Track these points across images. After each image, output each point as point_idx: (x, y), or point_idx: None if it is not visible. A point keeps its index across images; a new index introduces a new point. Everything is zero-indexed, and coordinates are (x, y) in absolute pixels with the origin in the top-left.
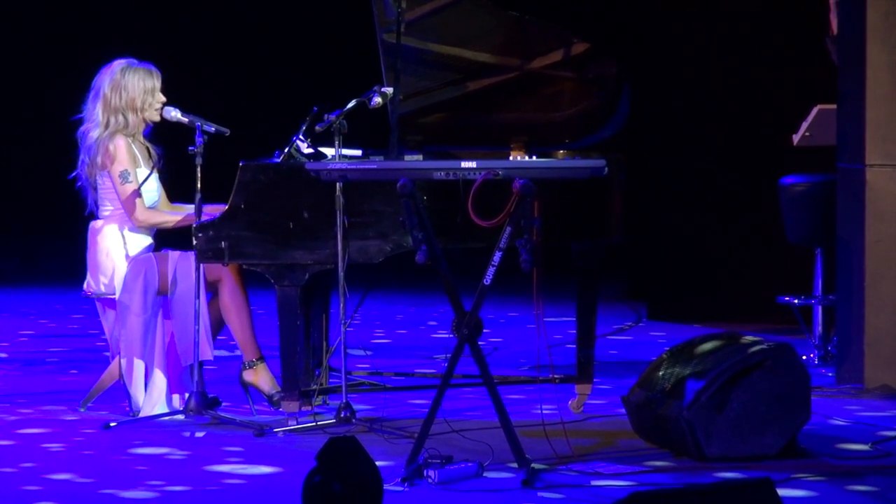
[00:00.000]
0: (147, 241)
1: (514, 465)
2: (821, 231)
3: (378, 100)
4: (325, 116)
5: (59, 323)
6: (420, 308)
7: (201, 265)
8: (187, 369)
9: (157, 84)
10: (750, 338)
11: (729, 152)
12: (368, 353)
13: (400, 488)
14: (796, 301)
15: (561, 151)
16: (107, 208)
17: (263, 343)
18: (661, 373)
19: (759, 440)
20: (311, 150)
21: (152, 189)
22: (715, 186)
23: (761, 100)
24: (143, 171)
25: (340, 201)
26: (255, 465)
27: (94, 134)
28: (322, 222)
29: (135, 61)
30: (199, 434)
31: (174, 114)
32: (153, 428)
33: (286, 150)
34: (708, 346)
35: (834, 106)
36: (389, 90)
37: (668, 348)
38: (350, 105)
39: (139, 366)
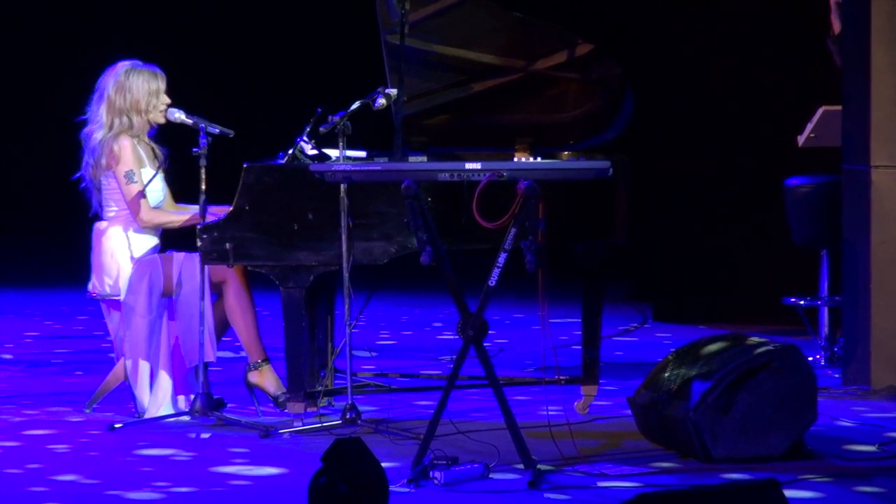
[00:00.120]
0: (152, 242)
1: (520, 466)
2: (826, 232)
3: (382, 101)
4: (329, 118)
5: (64, 324)
6: (425, 309)
7: (206, 266)
8: (192, 370)
9: (162, 86)
10: (756, 339)
11: (734, 154)
12: (374, 354)
13: (406, 489)
14: (802, 302)
15: (565, 153)
16: (111, 209)
17: (269, 344)
18: (666, 374)
19: (765, 441)
20: (315, 152)
21: (157, 189)
22: (720, 188)
23: (766, 101)
24: (148, 172)
25: (345, 203)
26: (261, 466)
27: (99, 135)
28: (326, 224)
29: (139, 63)
30: (205, 435)
31: (178, 115)
32: (159, 429)
33: (290, 151)
34: (714, 347)
35: (839, 107)
36: (393, 91)
37: (673, 349)
38: (354, 106)
39: (144, 367)
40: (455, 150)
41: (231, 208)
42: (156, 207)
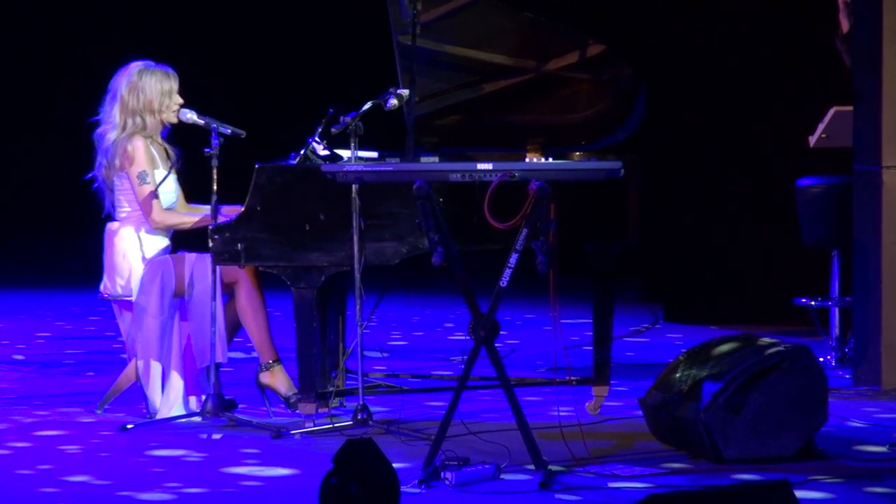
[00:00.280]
0: (163, 242)
1: (532, 467)
2: (837, 233)
3: (394, 102)
4: (341, 118)
5: (75, 325)
6: (436, 310)
7: (218, 267)
8: (204, 371)
9: (175, 86)
10: (767, 340)
11: (745, 154)
12: (385, 355)
13: (417, 490)
14: (813, 303)
15: (577, 153)
16: (123, 210)
17: (280, 345)
18: (678, 375)
19: (776, 442)
20: (326, 152)
21: (170, 190)
22: (732, 188)
23: (778, 102)
24: (160, 173)
25: (356, 203)
26: (272, 466)
27: (112, 136)
28: (338, 224)
29: (152, 63)
30: (216, 436)
31: (190, 116)
32: (170, 430)
33: (302, 152)
34: (725, 347)
35: (850, 108)
36: (405, 92)
37: (684, 350)
38: (366, 107)
39: (156, 368)
40: (467, 151)
41: (243, 208)
42: (169, 208)
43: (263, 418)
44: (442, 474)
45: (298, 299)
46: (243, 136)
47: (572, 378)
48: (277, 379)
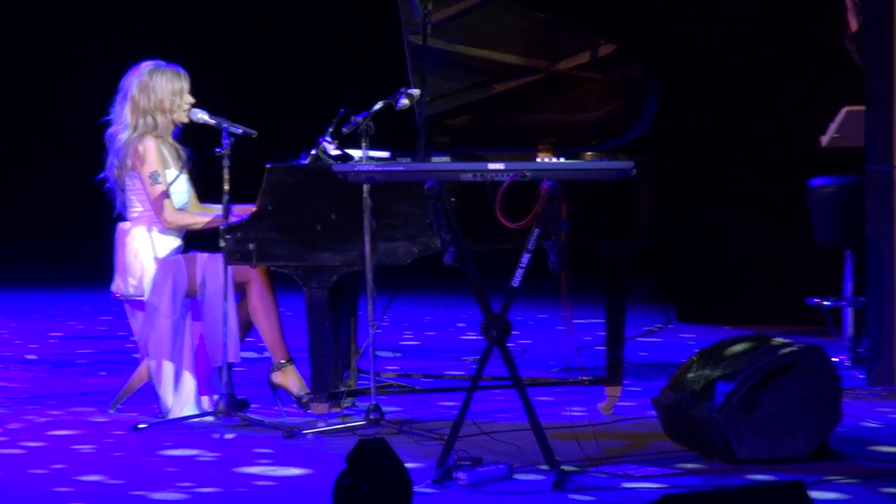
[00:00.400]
0: (175, 242)
1: (545, 467)
2: (850, 232)
3: (405, 101)
4: (352, 118)
5: (87, 325)
6: (448, 310)
7: (229, 267)
8: (216, 371)
9: (186, 85)
10: (780, 340)
11: (757, 154)
12: (397, 354)
13: (430, 490)
14: (826, 303)
15: (588, 153)
16: (135, 210)
17: (292, 345)
18: (691, 375)
19: (789, 442)
20: (338, 152)
21: (182, 190)
22: (744, 188)
23: (790, 101)
24: (172, 173)
25: (368, 203)
26: (285, 466)
27: (123, 136)
28: (349, 224)
29: (162, 63)
30: (229, 436)
31: (201, 115)
32: (183, 429)
33: (313, 151)
34: (738, 347)
35: (862, 107)
36: (416, 92)
37: (697, 350)
38: (377, 107)
39: (168, 367)
40: (478, 151)
41: (254, 208)
42: (181, 208)
43: (276, 418)
44: (455, 474)
45: (310, 299)
46: (254, 136)
47: (585, 378)
48: (290, 379)
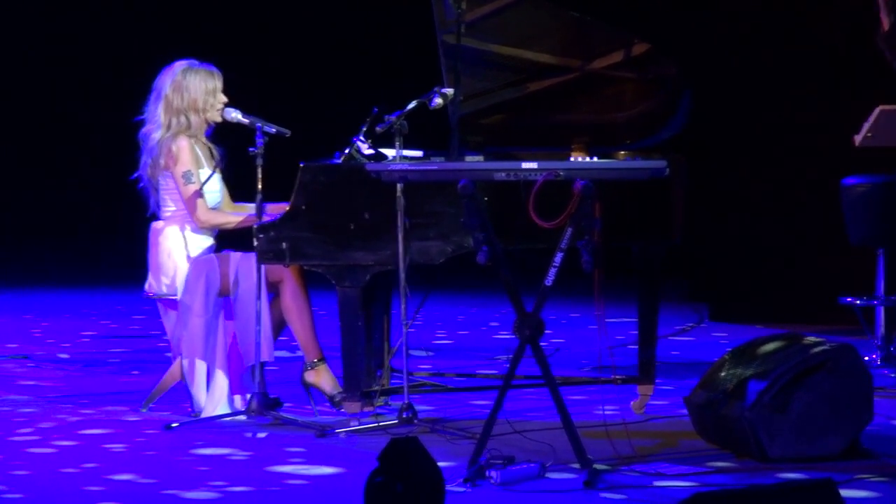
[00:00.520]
0: (208, 241)
1: (576, 465)
2: (882, 231)
3: (439, 101)
4: (386, 117)
5: (120, 324)
6: (481, 309)
7: (262, 266)
8: (249, 370)
9: (219, 85)
10: (812, 338)
11: (791, 153)
12: (430, 353)
13: (462, 489)
14: (858, 302)
15: (622, 152)
16: (168, 209)
17: (325, 344)
18: (723, 373)
19: (821, 441)
20: (371, 151)
21: (215, 190)
22: (777, 187)
23: (824, 100)
24: (205, 172)
25: (401, 202)
26: (317, 465)
27: (157, 135)
28: (383, 223)
29: (196, 62)
30: (261, 435)
31: (235, 115)
32: (215, 428)
33: (346, 151)
34: (770, 346)
35: (895, 107)
36: (450, 91)
37: (730, 349)
38: (410, 106)
39: (201, 366)
40: (511, 150)
41: (288, 207)
42: (213, 208)
43: (308, 417)
44: (487, 473)
45: (343, 298)
46: (288, 136)
47: (617, 377)
48: (322, 378)
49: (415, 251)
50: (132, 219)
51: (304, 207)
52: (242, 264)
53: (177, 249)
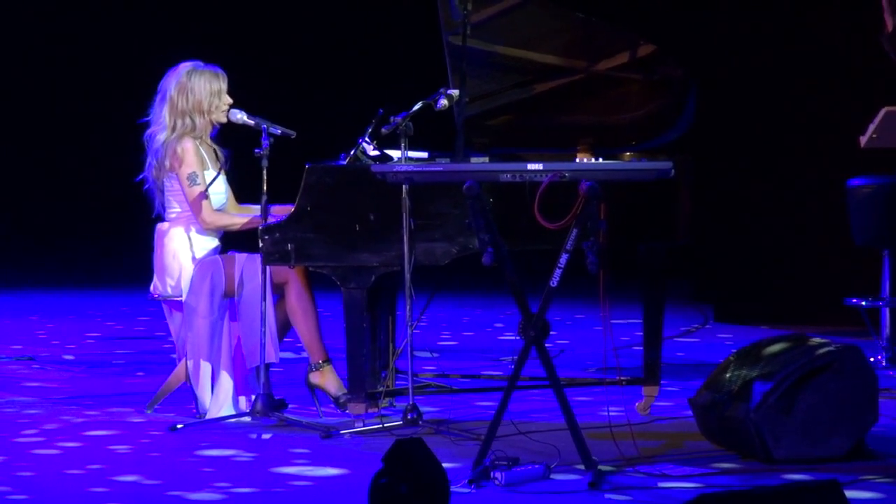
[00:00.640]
0: (213, 243)
1: (581, 467)
2: (888, 233)
3: (444, 102)
4: (391, 119)
5: (125, 325)
6: (486, 310)
7: (268, 267)
8: (254, 371)
9: (224, 86)
10: (817, 340)
11: (796, 154)
12: (435, 355)
13: (466, 490)
14: (864, 303)
15: (627, 153)
16: (174, 210)
17: (330, 345)
18: (728, 375)
19: (826, 442)
20: (376, 153)
21: (220, 191)
22: (782, 188)
23: (829, 101)
24: (210, 173)
25: (406, 203)
26: (322, 466)
27: (162, 137)
28: (388, 224)
29: (201, 63)
30: (266, 436)
31: (240, 116)
32: (220, 430)
33: (352, 152)
34: (775, 347)
35: None
36: (455, 92)
37: (735, 350)
38: (416, 107)
39: (206, 368)
40: (517, 151)
41: (293, 209)
42: (219, 209)
43: (313, 418)
44: (492, 474)
45: (348, 299)
46: (293, 137)
47: (622, 378)
48: (327, 379)
49: (420, 252)
50: (137, 220)
51: (309, 209)
52: (247, 265)
53: (182, 251)
